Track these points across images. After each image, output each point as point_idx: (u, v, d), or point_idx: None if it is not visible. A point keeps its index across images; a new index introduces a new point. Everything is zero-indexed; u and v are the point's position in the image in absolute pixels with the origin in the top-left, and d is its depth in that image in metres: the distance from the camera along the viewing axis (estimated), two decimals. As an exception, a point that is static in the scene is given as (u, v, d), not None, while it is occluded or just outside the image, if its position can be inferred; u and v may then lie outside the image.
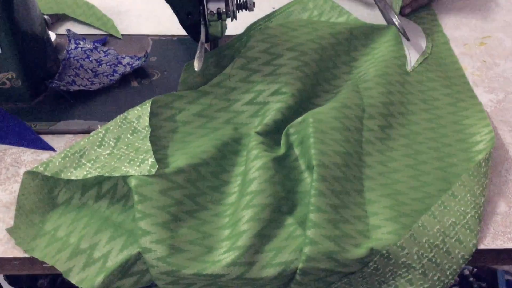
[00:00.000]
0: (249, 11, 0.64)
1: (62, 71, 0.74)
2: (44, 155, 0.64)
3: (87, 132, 0.67)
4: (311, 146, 0.58)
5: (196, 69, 0.63)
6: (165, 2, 0.66)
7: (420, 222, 0.55)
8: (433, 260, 0.54)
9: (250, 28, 0.79)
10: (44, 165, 0.58)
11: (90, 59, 0.77)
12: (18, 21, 0.66)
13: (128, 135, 0.61)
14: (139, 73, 0.76)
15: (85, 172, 0.57)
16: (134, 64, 0.76)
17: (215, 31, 0.65)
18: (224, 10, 0.62)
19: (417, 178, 0.61)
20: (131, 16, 0.88)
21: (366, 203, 0.58)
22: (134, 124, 0.62)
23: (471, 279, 1.20)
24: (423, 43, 0.82)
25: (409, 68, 0.75)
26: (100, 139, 0.61)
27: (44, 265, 0.54)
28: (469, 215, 0.57)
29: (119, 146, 0.60)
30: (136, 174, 0.55)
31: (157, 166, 0.55)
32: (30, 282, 1.13)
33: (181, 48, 0.81)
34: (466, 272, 1.20)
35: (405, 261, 0.53)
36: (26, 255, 0.54)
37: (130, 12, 0.89)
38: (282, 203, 0.57)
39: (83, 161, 0.59)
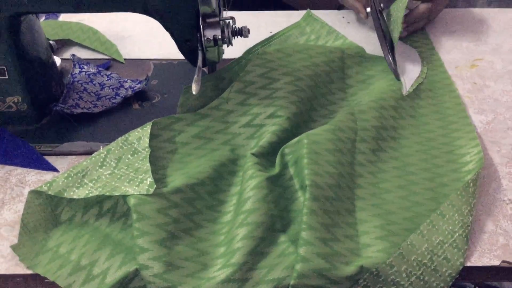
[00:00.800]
0: (244, 37, 0.67)
1: (66, 94, 0.77)
2: (48, 176, 0.67)
3: (89, 153, 0.70)
4: (305, 167, 0.60)
5: (194, 92, 0.65)
6: (168, 32, 0.69)
7: (409, 241, 0.57)
8: (421, 278, 0.55)
9: (249, 52, 0.82)
10: (48, 184, 0.60)
11: (94, 82, 0.80)
12: (24, 47, 0.70)
13: (129, 156, 0.63)
14: (140, 96, 0.79)
15: (87, 192, 0.59)
16: (135, 88, 0.79)
17: (212, 56, 0.68)
18: (220, 37, 0.65)
19: (408, 198, 0.63)
20: (134, 41, 0.91)
21: (357, 222, 0.60)
22: (135, 145, 0.64)
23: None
24: (418, 68, 0.84)
25: (404, 92, 0.78)
26: (102, 160, 0.63)
27: (46, 280, 0.56)
28: (457, 234, 0.58)
29: (119, 166, 0.62)
30: (135, 193, 0.57)
31: (155, 186, 0.57)
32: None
33: (181, 71, 0.84)
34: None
35: (394, 278, 0.55)
36: (29, 272, 0.57)
37: (133, 37, 0.92)
38: (275, 221, 0.59)
39: (85, 180, 0.61)
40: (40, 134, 0.72)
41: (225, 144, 0.69)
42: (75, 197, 0.59)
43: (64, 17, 0.95)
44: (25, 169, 0.68)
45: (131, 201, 0.56)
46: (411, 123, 0.74)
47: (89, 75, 0.81)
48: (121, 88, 0.79)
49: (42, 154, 0.69)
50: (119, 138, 0.65)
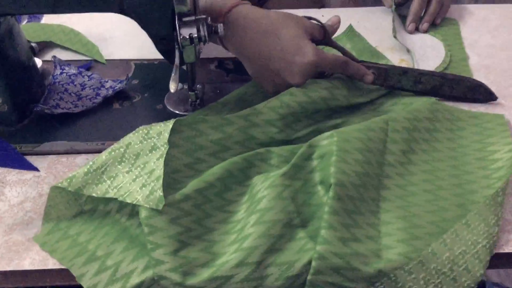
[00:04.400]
0: (219, 35, 0.68)
1: (47, 95, 0.78)
2: (28, 175, 0.68)
3: (70, 152, 0.71)
4: (332, 164, 0.60)
5: (171, 90, 0.67)
6: (144, 31, 0.70)
7: (430, 249, 0.56)
8: (439, 287, 0.56)
9: None
10: (68, 180, 0.61)
11: (75, 83, 0.81)
12: (4, 49, 0.70)
13: (147, 152, 0.62)
14: (121, 95, 0.80)
15: (104, 190, 0.60)
16: (116, 87, 0.80)
17: (190, 55, 0.69)
18: (196, 35, 0.66)
19: (434, 203, 0.62)
20: (115, 43, 0.92)
21: (380, 223, 0.59)
22: (154, 140, 0.62)
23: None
24: (438, 60, 0.86)
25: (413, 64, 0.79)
26: (121, 155, 0.62)
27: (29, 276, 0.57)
28: (480, 245, 0.58)
29: (137, 164, 0.61)
30: (145, 205, 0.57)
31: (163, 202, 0.56)
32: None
33: (162, 71, 0.85)
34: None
35: (411, 285, 0.55)
36: (10, 268, 0.57)
37: (114, 38, 0.93)
38: (293, 217, 0.59)
39: (104, 177, 0.61)
40: (21, 134, 0.73)
41: (239, 157, 0.66)
42: (93, 194, 0.60)
43: (46, 19, 0.96)
44: (5, 169, 0.69)
45: (142, 214, 0.57)
46: (447, 127, 0.73)
47: (70, 76, 0.82)
48: (101, 88, 0.80)
49: (23, 154, 0.70)
50: (141, 130, 0.63)
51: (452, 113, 0.75)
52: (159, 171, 0.59)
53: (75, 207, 0.63)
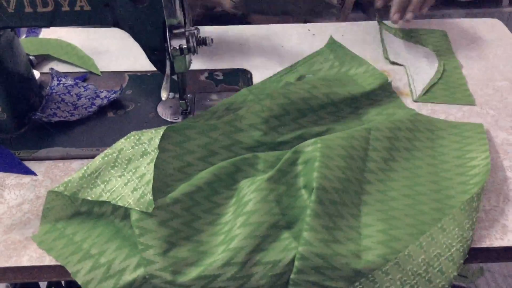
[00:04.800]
0: (208, 46, 0.73)
1: (45, 104, 0.82)
2: (26, 179, 0.71)
3: (66, 158, 0.74)
4: (315, 169, 0.63)
5: (163, 98, 0.71)
6: (137, 42, 0.74)
7: (407, 251, 0.59)
8: (415, 287, 0.59)
9: (280, 74, 0.89)
10: (64, 185, 0.64)
11: (71, 93, 0.85)
12: (4, 61, 0.74)
13: (139, 157, 0.65)
14: (115, 105, 0.84)
15: (98, 194, 0.63)
16: (110, 97, 0.84)
17: (180, 65, 0.73)
18: (185, 46, 0.70)
19: (413, 207, 0.65)
20: (110, 56, 0.97)
21: (361, 226, 0.62)
22: (145, 145, 0.66)
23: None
24: (432, 70, 0.90)
25: (415, 97, 0.83)
26: (114, 160, 0.65)
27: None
28: (454, 248, 0.60)
29: (129, 169, 0.65)
30: (136, 208, 0.60)
31: (153, 205, 0.60)
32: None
33: (154, 82, 0.89)
34: None
35: (388, 286, 0.58)
36: (9, 265, 0.61)
37: (109, 52, 0.98)
38: (278, 218, 0.62)
39: (98, 181, 0.64)
40: (20, 141, 0.77)
41: (226, 160, 0.69)
42: (88, 198, 0.63)
43: (44, 34, 1.00)
44: (5, 174, 0.72)
45: (133, 217, 0.60)
46: (428, 136, 0.76)
47: (66, 86, 0.86)
48: (97, 98, 0.84)
49: (21, 160, 0.73)
50: (132, 136, 0.67)
51: (433, 123, 0.78)
52: (149, 175, 0.63)
53: (72, 208, 0.66)
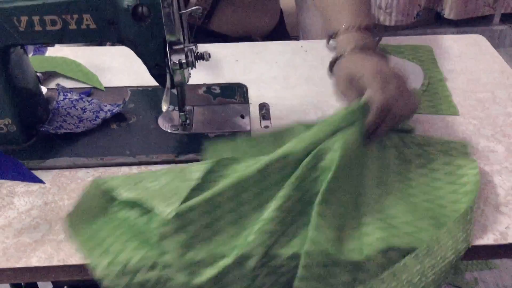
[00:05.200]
0: (205, 61, 0.78)
1: (52, 118, 0.87)
2: (35, 187, 0.76)
3: (72, 167, 0.79)
4: (325, 181, 0.66)
5: (163, 110, 0.76)
6: (139, 58, 0.79)
7: (403, 262, 0.62)
8: None
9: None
10: (107, 180, 0.68)
11: (76, 107, 0.90)
12: (14, 77, 0.79)
13: (179, 180, 0.68)
14: (118, 117, 0.88)
15: (131, 196, 0.67)
16: (114, 110, 0.89)
17: (180, 78, 0.78)
18: (184, 61, 0.75)
19: (410, 214, 0.68)
20: (113, 72, 1.02)
21: (362, 234, 0.65)
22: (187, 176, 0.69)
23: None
24: (418, 83, 0.95)
25: None
26: (156, 175, 0.70)
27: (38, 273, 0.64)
28: (448, 260, 0.63)
29: (166, 185, 0.68)
30: (159, 213, 0.63)
31: (174, 212, 0.62)
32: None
33: (155, 96, 0.94)
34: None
35: None
36: (19, 265, 0.65)
37: (112, 68, 1.03)
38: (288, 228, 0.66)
39: (135, 187, 0.68)
40: (28, 152, 0.81)
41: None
42: (119, 198, 0.67)
43: (50, 52, 1.06)
44: (15, 182, 0.76)
45: (154, 224, 0.64)
46: (418, 153, 0.78)
47: (72, 101, 0.91)
48: (100, 111, 0.89)
49: (30, 169, 0.77)
50: (178, 170, 0.70)
51: (423, 140, 0.81)
52: (181, 191, 0.65)
53: (103, 206, 0.69)
